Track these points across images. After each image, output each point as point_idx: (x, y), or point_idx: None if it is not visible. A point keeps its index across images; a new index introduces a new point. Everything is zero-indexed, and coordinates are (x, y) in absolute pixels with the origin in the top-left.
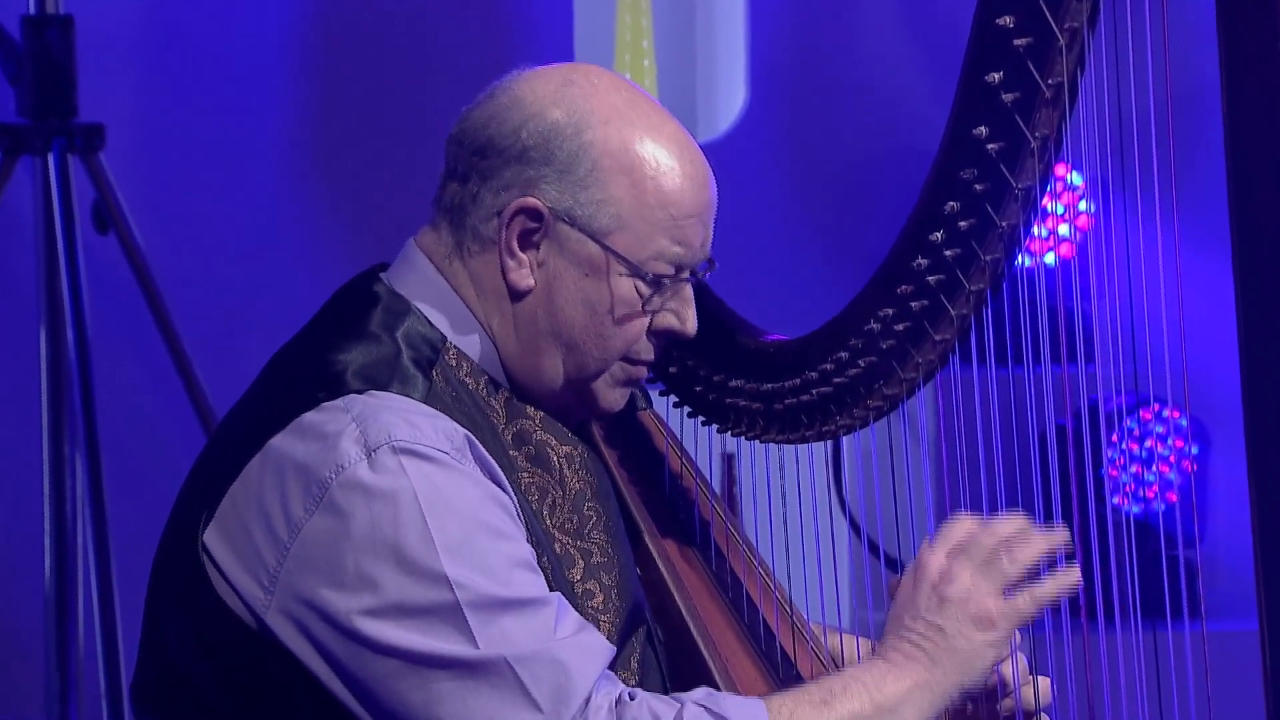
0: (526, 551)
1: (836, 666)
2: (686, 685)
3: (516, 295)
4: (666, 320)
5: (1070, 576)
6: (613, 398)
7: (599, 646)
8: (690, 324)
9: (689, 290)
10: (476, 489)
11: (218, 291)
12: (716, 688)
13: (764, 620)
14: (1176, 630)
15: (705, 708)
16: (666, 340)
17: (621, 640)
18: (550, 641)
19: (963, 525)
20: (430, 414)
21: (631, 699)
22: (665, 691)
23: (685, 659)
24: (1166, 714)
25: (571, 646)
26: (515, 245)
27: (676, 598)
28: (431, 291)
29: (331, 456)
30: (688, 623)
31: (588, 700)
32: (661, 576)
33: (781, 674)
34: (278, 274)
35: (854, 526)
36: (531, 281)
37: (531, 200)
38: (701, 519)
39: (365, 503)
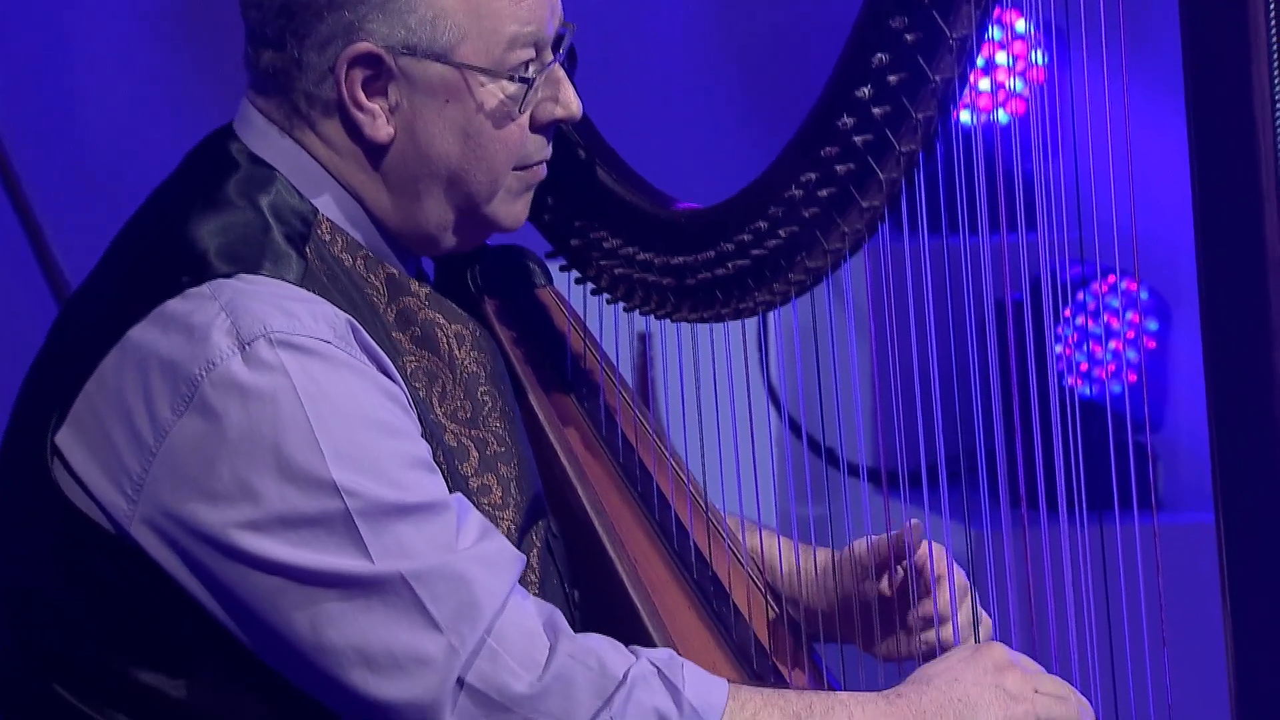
0: (422, 449)
1: (756, 566)
2: (590, 587)
3: (377, 149)
4: (546, 112)
5: None
6: (515, 212)
7: (507, 557)
8: (573, 104)
9: (559, 70)
10: (364, 382)
11: (73, 154)
12: (622, 589)
13: (676, 517)
14: (1128, 523)
15: (659, 670)
16: (554, 128)
17: (520, 539)
18: (452, 553)
19: (1045, 674)
20: (307, 299)
21: (581, 636)
22: (565, 595)
23: (589, 559)
24: (1114, 613)
25: (476, 558)
26: (361, 97)
27: (580, 492)
28: (287, 158)
29: (201, 351)
30: (592, 520)
31: (497, 616)
32: (563, 469)
33: (696, 574)
34: (140, 135)
35: (777, 409)
36: (390, 129)
37: (362, 46)
38: (607, 406)
39: (241, 403)
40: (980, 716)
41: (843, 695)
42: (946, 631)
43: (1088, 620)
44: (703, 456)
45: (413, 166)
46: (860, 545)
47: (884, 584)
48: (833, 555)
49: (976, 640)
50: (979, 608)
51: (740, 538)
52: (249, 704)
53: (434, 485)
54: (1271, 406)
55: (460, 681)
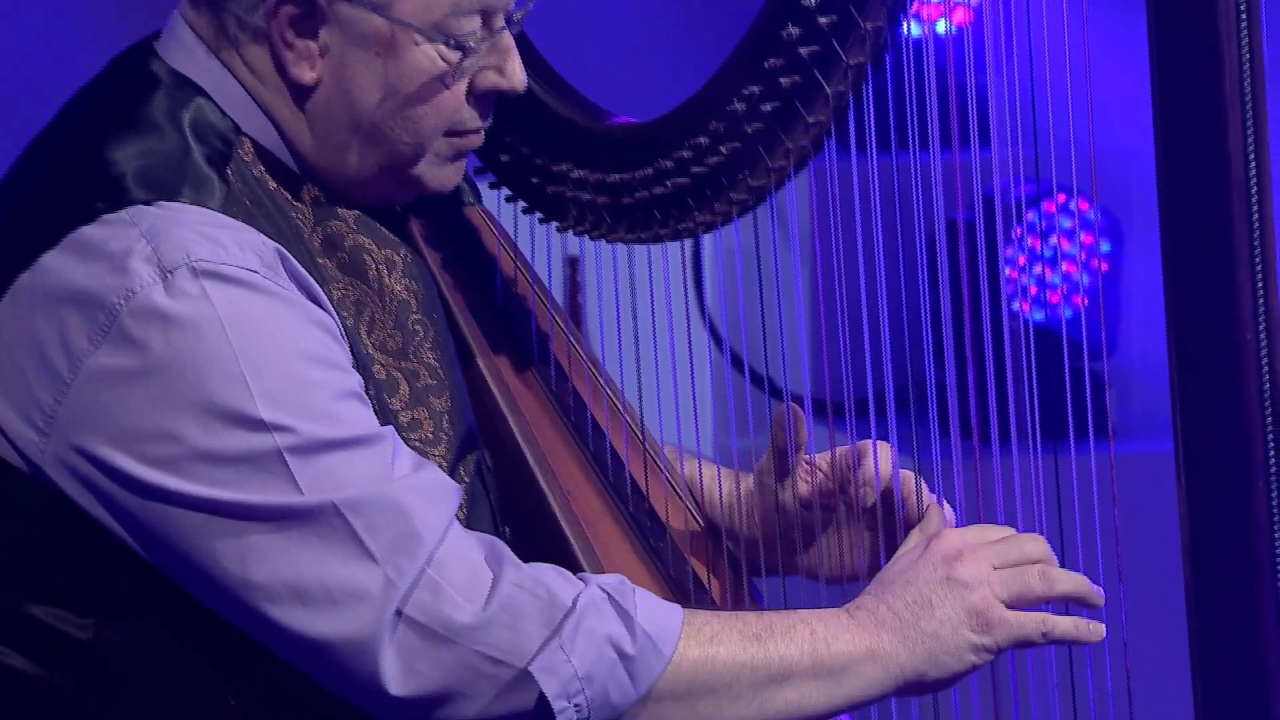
0: (354, 380)
1: (694, 498)
2: (522, 521)
3: (302, 90)
4: (487, 80)
5: (1094, 630)
6: (443, 176)
7: (446, 487)
8: (516, 77)
9: (507, 39)
10: (293, 312)
11: None
12: (555, 522)
13: (612, 448)
14: (1082, 454)
15: (610, 595)
16: (494, 101)
17: (450, 474)
18: (388, 483)
19: (1004, 528)
20: (233, 226)
21: (528, 565)
22: (496, 531)
23: (521, 492)
24: (1069, 545)
25: (413, 488)
26: (289, 34)
27: (511, 423)
28: (211, 79)
29: (120, 280)
30: (524, 451)
31: (437, 546)
32: (494, 399)
33: (631, 507)
34: (53, 48)
35: (715, 338)
36: (315, 74)
37: None
38: (539, 332)
39: (163, 334)
40: (939, 614)
41: (803, 613)
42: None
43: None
44: (639, 387)
45: (337, 115)
46: (765, 459)
47: (797, 489)
48: (754, 476)
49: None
50: (926, 495)
51: (678, 469)
52: (163, 647)
53: (368, 417)
54: (1234, 333)
55: (399, 614)
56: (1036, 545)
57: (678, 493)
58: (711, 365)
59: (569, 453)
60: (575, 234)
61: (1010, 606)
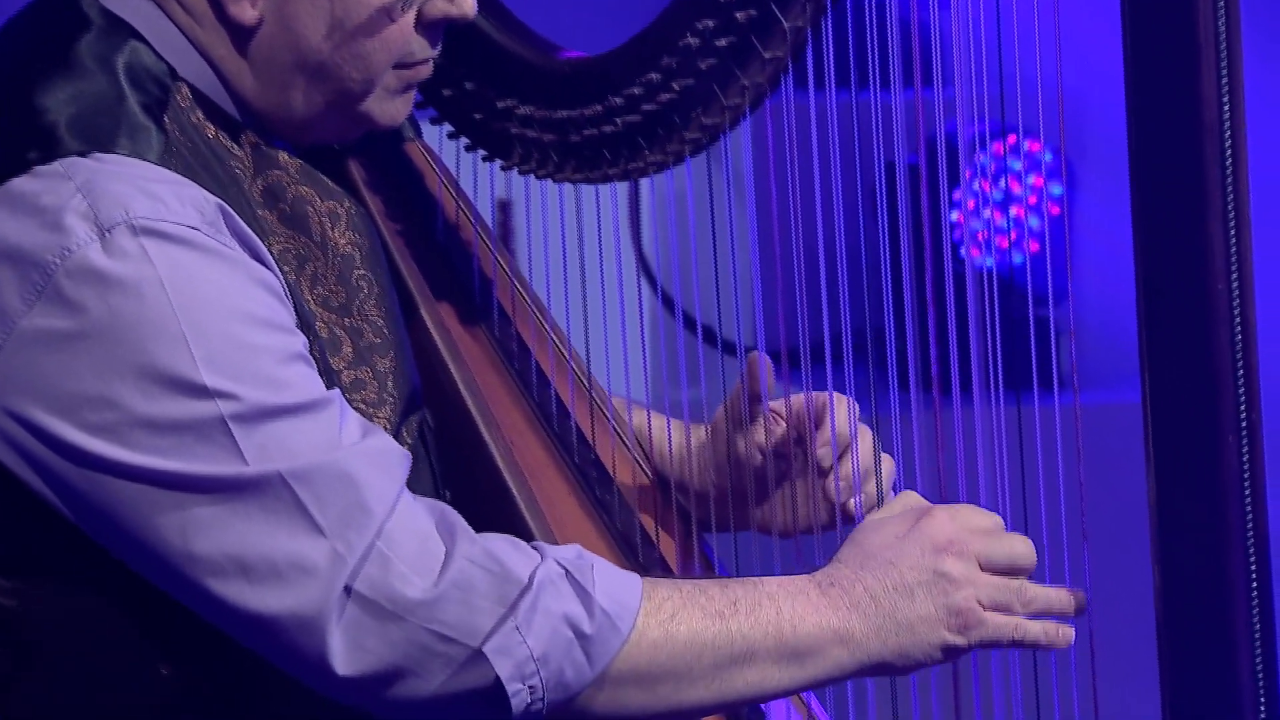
0: (300, 342)
1: (642, 449)
2: (464, 476)
3: (242, 31)
4: (436, 9)
5: (1064, 636)
6: (392, 110)
7: (395, 455)
8: (467, 3)
9: None
10: (236, 272)
11: None
12: (497, 474)
13: (557, 396)
14: (1034, 405)
15: (567, 571)
16: (444, 30)
17: (396, 435)
18: (336, 451)
19: (993, 516)
20: (173, 180)
21: (481, 538)
22: (435, 488)
23: (463, 445)
24: (1031, 501)
25: (361, 455)
26: None
27: (453, 371)
28: (146, 20)
29: (54, 237)
30: (466, 400)
31: (387, 518)
32: (436, 346)
33: (577, 458)
34: None
35: (652, 284)
36: (256, 13)
37: None
38: (483, 276)
39: (101, 295)
40: (919, 608)
41: (770, 586)
42: (846, 489)
43: (1001, 506)
44: (575, 338)
45: (280, 54)
46: (721, 412)
47: (755, 442)
48: (705, 430)
49: (880, 491)
50: (880, 450)
51: (626, 419)
52: (92, 615)
53: (314, 381)
54: (1205, 282)
55: (347, 590)
56: (1025, 548)
57: (625, 443)
58: (644, 312)
59: (512, 402)
60: (520, 173)
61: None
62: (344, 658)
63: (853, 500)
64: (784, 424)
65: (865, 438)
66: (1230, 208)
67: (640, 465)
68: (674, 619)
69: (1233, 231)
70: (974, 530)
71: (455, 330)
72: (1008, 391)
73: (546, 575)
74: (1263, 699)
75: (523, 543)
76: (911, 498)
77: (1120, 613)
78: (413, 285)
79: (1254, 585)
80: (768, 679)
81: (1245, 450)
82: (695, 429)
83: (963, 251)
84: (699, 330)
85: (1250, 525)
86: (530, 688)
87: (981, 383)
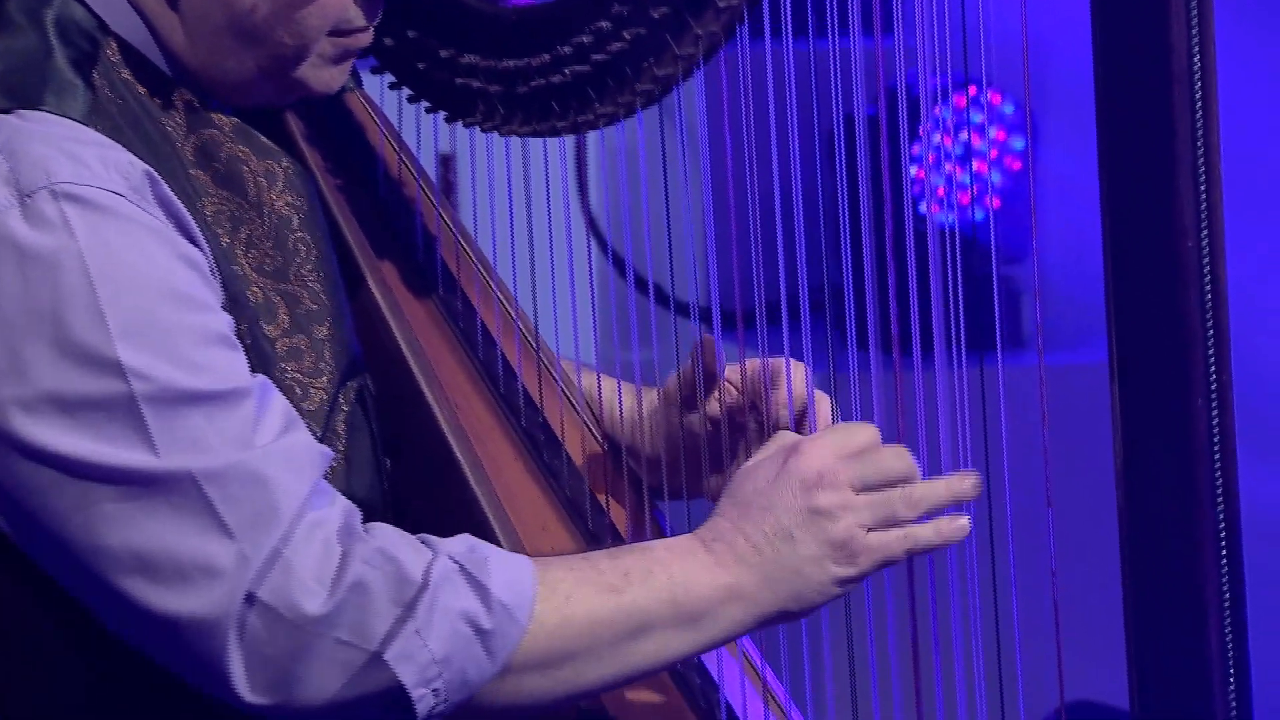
0: (223, 323)
1: (592, 412)
2: (406, 442)
3: None
4: None
5: (958, 528)
6: (326, 78)
7: (311, 454)
8: None
9: None
10: (160, 244)
11: None
12: (441, 438)
13: (503, 356)
14: (995, 365)
15: (461, 566)
16: None
17: (331, 405)
18: (249, 449)
19: (866, 432)
20: (98, 142)
21: (370, 534)
22: (376, 463)
23: (405, 409)
24: (994, 465)
25: (277, 456)
26: None
27: (395, 329)
28: None
29: None
30: (409, 362)
31: (295, 523)
32: (377, 304)
33: (524, 421)
34: None
35: (599, 239)
36: None
37: None
38: (426, 233)
39: (17, 264)
40: (801, 549)
41: (659, 552)
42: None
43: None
44: (523, 297)
45: (213, 14)
46: (673, 378)
47: (707, 412)
48: (657, 394)
49: None
50: (838, 415)
51: (576, 380)
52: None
53: (233, 367)
54: (1174, 240)
55: (250, 598)
56: (899, 460)
57: (575, 406)
58: (593, 269)
59: (457, 363)
60: (465, 125)
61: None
62: (242, 665)
63: None
64: (737, 393)
65: (823, 403)
66: (1200, 162)
67: (590, 429)
68: (569, 601)
69: (1203, 187)
70: (842, 456)
71: (397, 289)
72: (970, 352)
73: (442, 572)
74: (1232, 667)
75: (411, 536)
76: (784, 437)
77: (1086, 581)
78: (353, 242)
79: (1223, 552)
80: (667, 646)
81: (1215, 413)
82: (647, 393)
83: (923, 208)
84: (650, 289)
85: (1220, 490)
86: (434, 690)
87: (943, 343)
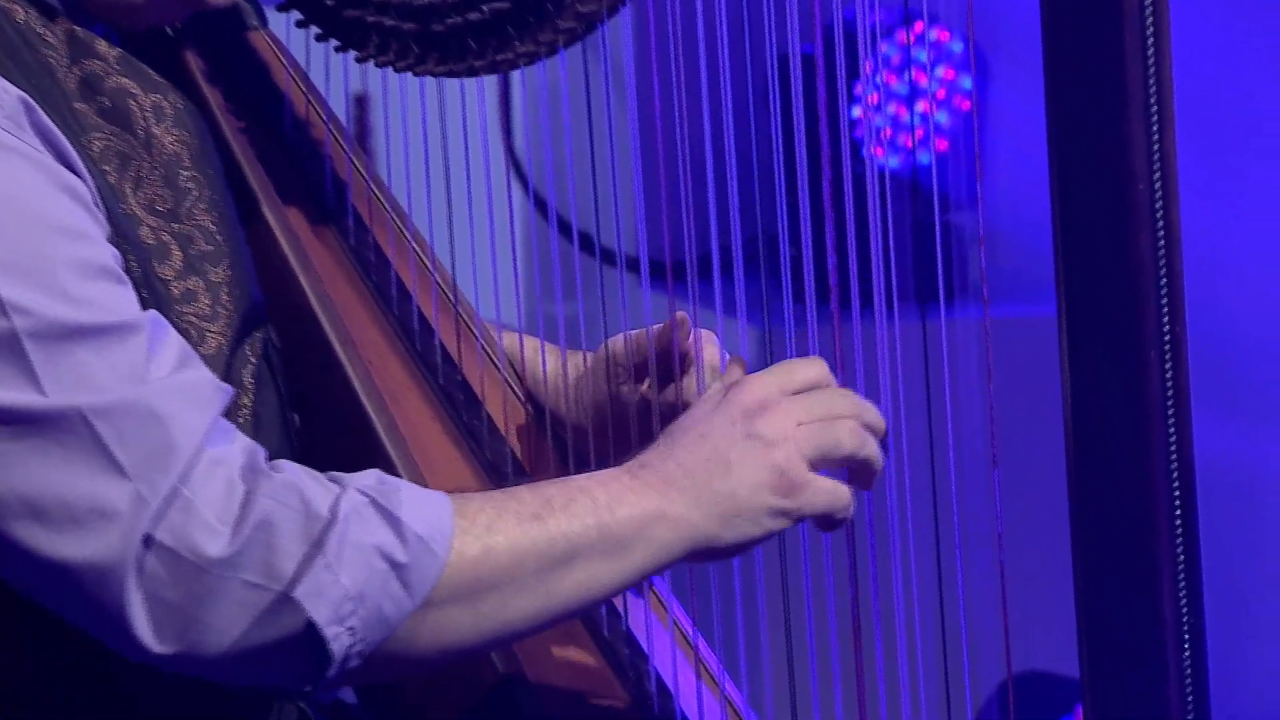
0: (108, 255)
1: (514, 371)
2: (316, 400)
3: None
4: None
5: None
6: None
7: (209, 389)
8: None
9: None
10: (37, 174)
11: None
12: (352, 396)
13: (419, 311)
14: (937, 318)
15: (371, 499)
16: None
17: (231, 354)
18: (142, 385)
19: (813, 369)
20: None
21: (276, 471)
22: (283, 419)
23: (315, 366)
24: (937, 422)
25: (171, 391)
26: None
27: (303, 282)
28: None
29: None
30: (319, 317)
31: (194, 460)
32: (283, 255)
33: (442, 378)
34: None
35: (523, 182)
36: None
37: None
38: (336, 180)
39: None
40: (737, 473)
41: (581, 480)
42: None
43: (905, 429)
44: (440, 248)
45: None
46: (617, 343)
47: (645, 386)
48: (585, 358)
49: None
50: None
51: (497, 338)
52: None
53: (121, 300)
54: (1125, 184)
55: (148, 540)
56: (846, 400)
57: (495, 364)
58: (524, 220)
59: (370, 318)
60: (377, 64)
61: (816, 468)
62: (144, 612)
63: None
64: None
65: (736, 367)
66: (1152, 101)
67: (512, 388)
68: (490, 530)
69: (1155, 127)
70: (787, 390)
71: (306, 239)
72: (914, 305)
73: (351, 505)
74: (1186, 631)
75: (319, 474)
76: (733, 373)
77: (1033, 543)
78: (257, 189)
79: (1177, 513)
80: (595, 576)
81: (1169, 366)
82: (572, 355)
83: (865, 151)
84: (575, 237)
85: (1174, 446)
86: (349, 629)
87: (883, 295)
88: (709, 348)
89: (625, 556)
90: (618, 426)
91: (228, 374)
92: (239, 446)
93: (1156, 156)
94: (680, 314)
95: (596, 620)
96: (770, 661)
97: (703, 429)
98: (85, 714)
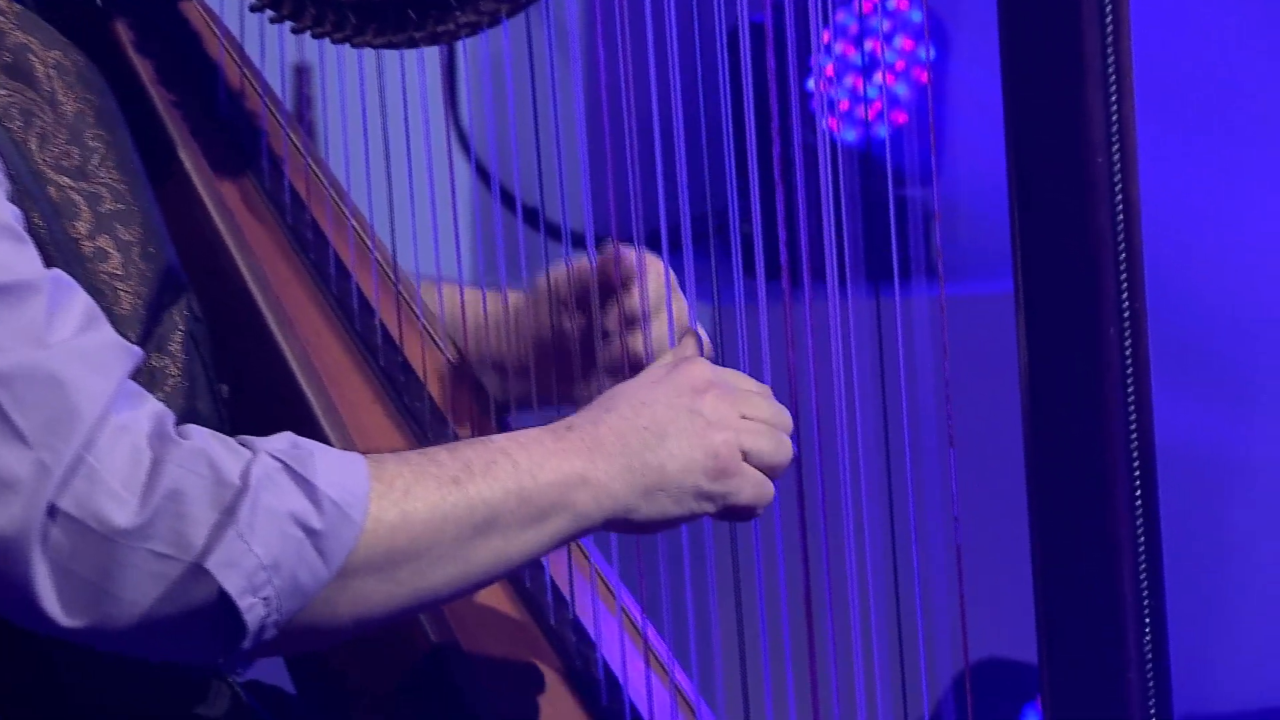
0: (8, 213)
1: (455, 347)
2: (249, 383)
3: None
4: None
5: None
6: None
7: (114, 352)
8: None
9: None
10: None
11: None
12: (289, 378)
13: (359, 289)
14: (902, 297)
15: (284, 464)
16: None
17: (152, 316)
18: (43, 348)
19: (758, 383)
20: None
21: (184, 437)
22: (211, 390)
23: (249, 346)
24: (892, 403)
25: (74, 354)
26: None
27: (239, 263)
28: None
29: None
30: (255, 296)
31: (99, 427)
32: (217, 233)
33: (383, 360)
34: None
35: (467, 154)
36: None
37: None
38: (272, 154)
39: None
40: (671, 445)
41: (501, 441)
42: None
43: (859, 410)
44: (381, 223)
45: None
46: (559, 274)
47: (593, 313)
48: (523, 297)
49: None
50: (696, 319)
51: (438, 302)
52: None
53: (21, 259)
54: (1083, 154)
55: (52, 510)
56: (785, 416)
57: (438, 344)
58: (468, 195)
59: (308, 297)
60: (314, 36)
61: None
62: (51, 584)
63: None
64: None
65: (679, 302)
66: (1110, 70)
67: (453, 365)
68: (408, 495)
69: (1113, 97)
70: (736, 383)
71: (241, 215)
72: (867, 281)
73: (263, 471)
74: (1147, 615)
75: (229, 439)
76: (686, 348)
77: (990, 526)
78: (189, 163)
79: (1137, 492)
80: (512, 543)
81: (1128, 342)
82: (513, 294)
83: (820, 124)
84: (519, 211)
85: (1134, 425)
86: (264, 599)
87: (836, 271)
88: (678, 302)
89: (545, 523)
90: (562, 364)
91: (148, 337)
92: (146, 412)
93: (1115, 127)
94: (614, 242)
95: (543, 608)
96: (721, 649)
97: (645, 397)
98: (18, 703)
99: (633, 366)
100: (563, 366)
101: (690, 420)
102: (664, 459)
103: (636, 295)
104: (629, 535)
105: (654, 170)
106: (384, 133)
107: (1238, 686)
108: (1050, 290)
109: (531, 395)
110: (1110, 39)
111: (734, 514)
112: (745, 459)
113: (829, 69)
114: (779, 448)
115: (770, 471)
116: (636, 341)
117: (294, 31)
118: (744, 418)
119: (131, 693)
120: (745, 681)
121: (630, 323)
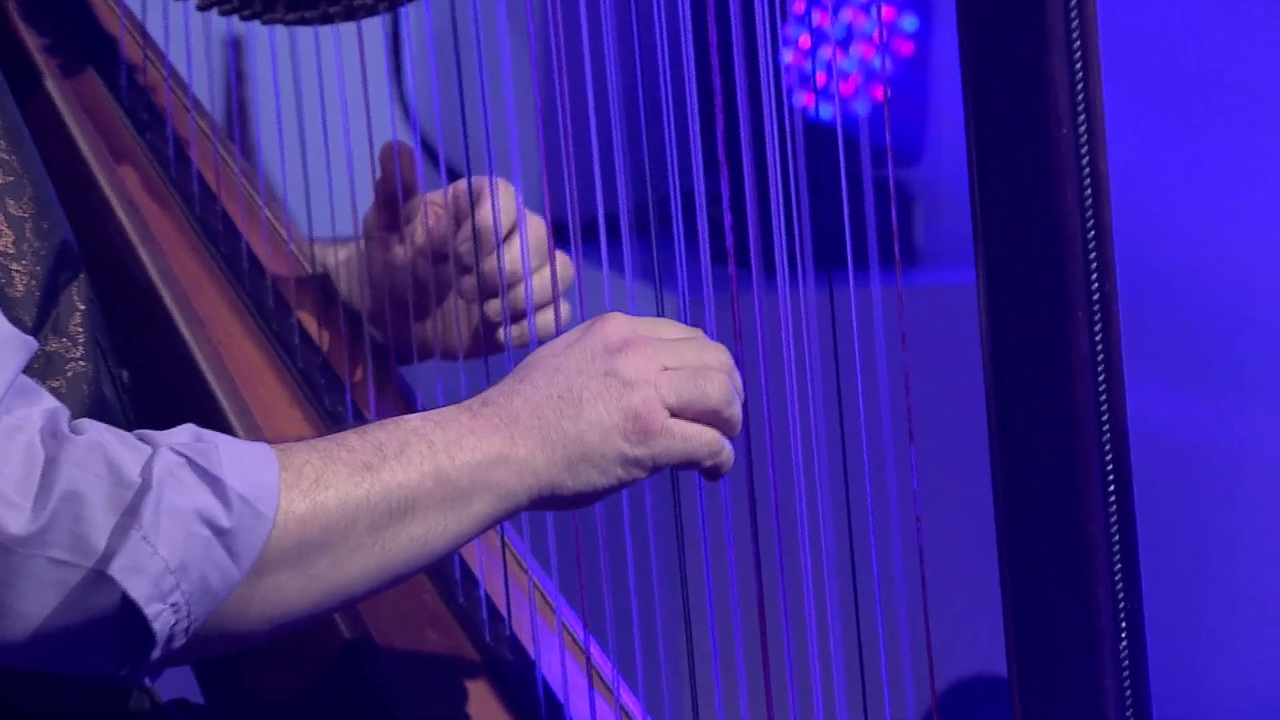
0: None
1: (374, 342)
2: (150, 362)
3: None
4: None
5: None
6: None
7: (5, 347)
8: None
9: None
10: None
11: None
12: (199, 379)
13: (274, 285)
14: (871, 285)
15: (188, 459)
16: None
17: (48, 297)
18: None
19: (680, 328)
20: None
21: (78, 433)
22: (111, 375)
23: (155, 339)
24: (848, 396)
25: None
26: None
27: (144, 258)
28: None
29: None
30: (161, 293)
31: None
32: (119, 224)
33: (301, 360)
34: None
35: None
36: None
37: None
38: (178, 140)
39: None
40: (589, 413)
41: (415, 422)
42: (520, 294)
43: (814, 407)
44: (307, 201)
45: None
46: (370, 209)
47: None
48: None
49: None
50: (554, 247)
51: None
52: None
53: None
54: (1047, 128)
55: None
56: (718, 353)
57: (364, 345)
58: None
59: (219, 293)
60: (221, 13)
61: (677, 418)
62: None
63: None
64: (437, 214)
65: (534, 222)
66: (1075, 35)
67: (375, 367)
68: (319, 484)
69: (1078, 64)
70: (656, 333)
71: (144, 203)
72: (840, 270)
73: (165, 468)
74: (1123, 618)
75: (127, 433)
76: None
77: (955, 524)
78: (87, 151)
79: (1110, 485)
80: (434, 529)
81: (1098, 327)
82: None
83: (795, 101)
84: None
85: (1105, 415)
86: (173, 605)
87: (785, 258)
88: (533, 222)
89: (466, 506)
90: (398, 301)
91: (44, 320)
92: (39, 409)
93: (1080, 95)
94: (392, 143)
95: (477, 623)
96: (668, 665)
97: (558, 363)
98: None
99: (490, 292)
100: (421, 310)
101: (605, 383)
102: (583, 428)
103: (489, 213)
104: (567, 543)
105: (611, 152)
106: (321, 109)
107: (1218, 692)
108: (1014, 270)
109: (408, 347)
110: (1074, 3)
111: (704, 474)
112: (674, 414)
113: (804, 40)
114: (711, 391)
115: (711, 417)
116: (491, 263)
117: (199, 9)
118: (666, 369)
119: (49, 696)
120: (695, 700)
121: (484, 248)
